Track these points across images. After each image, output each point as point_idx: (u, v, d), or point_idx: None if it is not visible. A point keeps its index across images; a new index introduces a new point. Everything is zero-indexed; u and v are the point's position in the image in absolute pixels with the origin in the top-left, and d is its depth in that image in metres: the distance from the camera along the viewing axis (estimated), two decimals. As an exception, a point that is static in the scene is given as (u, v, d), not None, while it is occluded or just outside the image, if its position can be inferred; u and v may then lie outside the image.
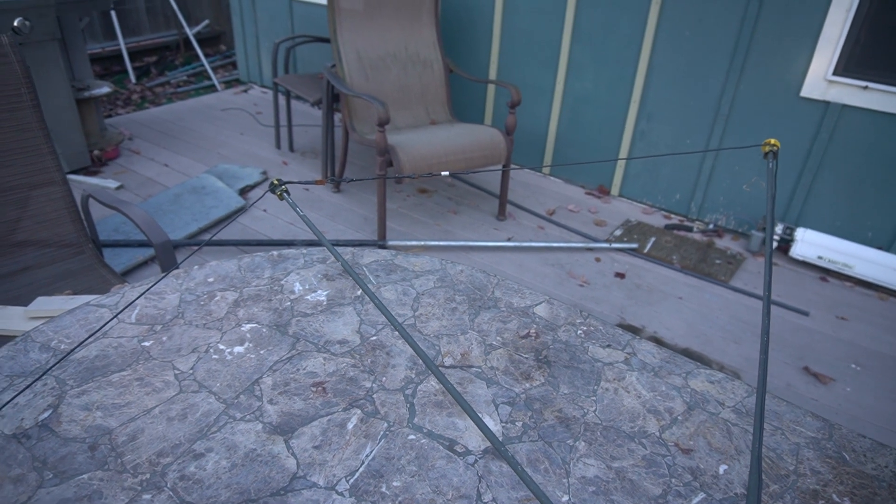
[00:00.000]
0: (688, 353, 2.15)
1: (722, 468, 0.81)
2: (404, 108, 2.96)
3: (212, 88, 4.75)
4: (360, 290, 1.09)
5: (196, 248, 2.62)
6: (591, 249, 2.75)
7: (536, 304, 1.11)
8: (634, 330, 2.25)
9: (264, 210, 2.90)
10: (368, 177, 3.34)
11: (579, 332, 1.04)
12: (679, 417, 0.89)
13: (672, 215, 3.10)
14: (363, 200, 3.10)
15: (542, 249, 2.73)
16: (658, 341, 2.20)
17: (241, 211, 2.87)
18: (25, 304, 1.43)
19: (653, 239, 2.85)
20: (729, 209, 2.97)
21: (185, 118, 4.04)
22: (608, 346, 1.02)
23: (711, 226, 3.00)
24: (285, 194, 1.05)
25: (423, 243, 2.65)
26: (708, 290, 2.51)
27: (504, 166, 2.83)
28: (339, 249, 1.23)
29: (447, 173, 0.94)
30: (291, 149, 3.63)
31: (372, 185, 3.16)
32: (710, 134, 2.88)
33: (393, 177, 1.08)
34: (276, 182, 1.04)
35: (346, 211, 2.98)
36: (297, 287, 1.11)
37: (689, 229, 2.95)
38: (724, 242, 2.87)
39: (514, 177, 3.43)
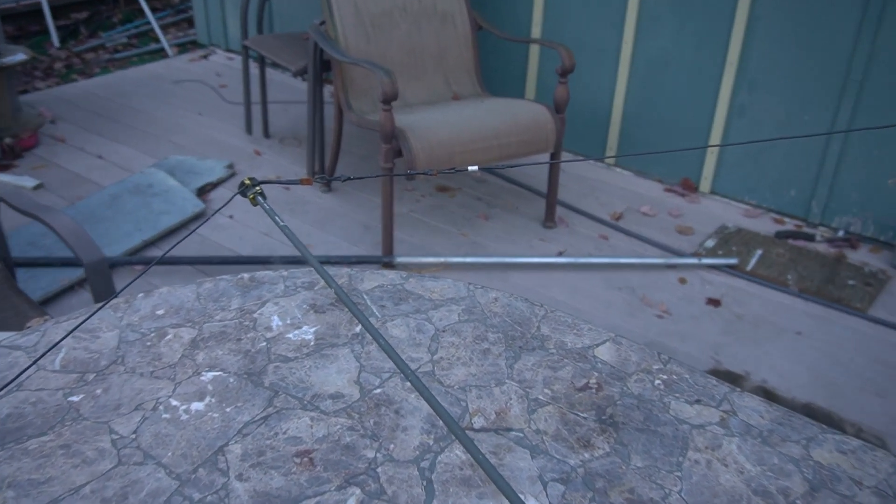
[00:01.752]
0: (810, 411, 2.11)
1: (859, 573, 0.80)
2: (417, 77, 2.99)
3: (161, 54, 4.86)
4: (360, 326, 1.10)
5: (141, 268, 2.67)
6: (672, 267, 2.74)
7: (598, 344, 1.11)
8: (734, 378, 2.22)
9: (230, 217, 2.95)
10: (369, 173, 3.38)
11: (657, 382, 1.04)
12: (798, 501, 0.88)
13: (785, 219, 3.07)
14: (363, 202, 3.13)
15: (606, 267, 2.72)
16: (768, 394, 2.17)
17: (199, 218, 2.92)
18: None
19: (759, 252, 2.82)
20: (866, 210, 2.93)
21: (126, 94, 4.13)
22: (697, 401, 1.01)
23: (841, 233, 2.96)
24: (259, 197, 1.07)
25: (443, 260, 2.66)
26: (838, 322, 2.47)
27: (553, 155, 2.84)
28: (332, 270, 1.24)
29: (475, 168, 0.95)
30: (267, 134, 3.69)
31: (374, 183, 3.19)
32: (838, 108, 2.86)
33: (403, 174, 1.09)
34: (247, 182, 1.06)
35: (340, 217, 3.01)
36: (276, 322, 1.13)
37: (810, 238, 2.92)
38: (860, 256, 2.83)
39: (567, 169, 3.44)
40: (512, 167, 1.06)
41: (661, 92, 3.23)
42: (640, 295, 2.58)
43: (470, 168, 0.98)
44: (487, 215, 3.05)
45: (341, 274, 1.25)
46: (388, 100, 2.45)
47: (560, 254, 2.80)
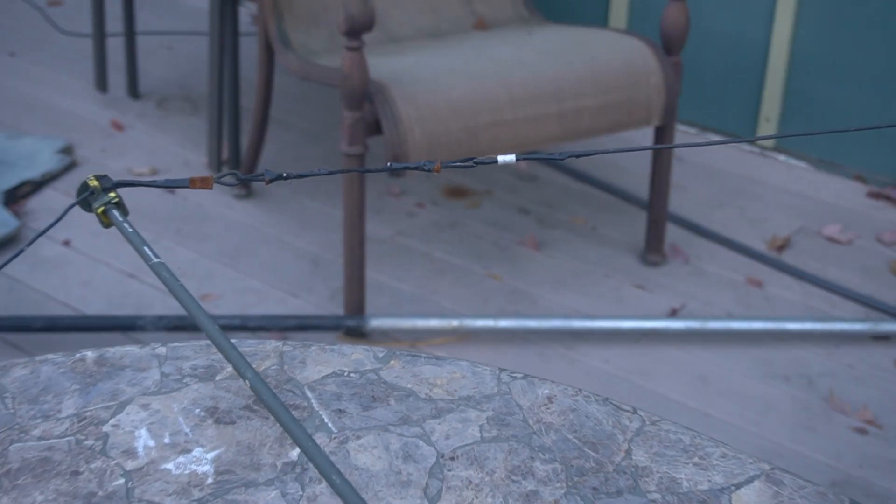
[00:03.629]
0: None
1: None
2: (410, -11, 3.01)
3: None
4: (297, 450, 1.10)
5: None
6: (884, 338, 2.72)
7: (741, 483, 1.11)
8: None
9: (66, 243, 2.95)
10: (320, 165, 3.34)
11: (850, 556, 1.03)
12: None
13: None
14: (309, 217, 3.14)
15: (760, 338, 2.71)
16: None
17: (9, 245, 2.92)
18: None
19: None
20: None
21: None
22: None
23: None
24: (114, 210, 1.08)
25: (456, 324, 2.65)
26: None
27: (660, 132, 2.83)
28: (250, 343, 1.24)
29: (513, 157, 0.96)
30: (135, 92, 3.70)
31: (331, 184, 3.18)
32: None
33: (382, 169, 1.10)
34: (93, 183, 1.07)
35: (267, 243, 3.01)
36: (145, 441, 1.13)
37: None
38: None
39: (687, 157, 3.44)
40: (582, 156, 1.08)
41: (858, 20, 3.23)
42: (823, 391, 2.56)
43: (502, 158, 0.99)
44: (539, 241, 3.05)
45: (266, 351, 1.25)
46: (357, 30, 2.46)
47: (674, 312, 2.79)
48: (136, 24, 3.61)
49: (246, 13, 4.12)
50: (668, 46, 2.76)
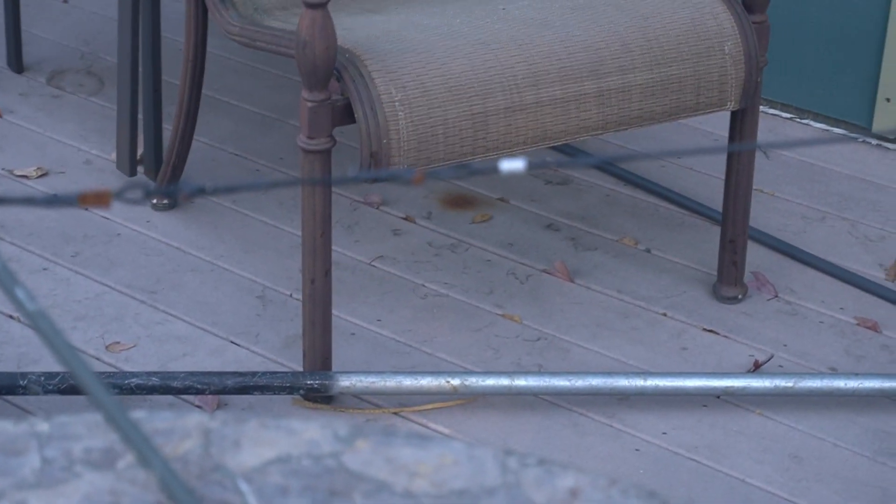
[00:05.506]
0: None
1: None
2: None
3: None
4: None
5: None
6: None
7: None
8: None
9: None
10: (262, 180, 3.34)
11: None
12: None
13: None
14: (255, 236, 3.15)
15: (872, 400, 2.69)
16: None
17: None
18: None
19: None
20: None
21: None
22: None
23: None
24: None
25: (456, 383, 2.65)
26: None
27: (739, 117, 2.83)
28: (164, 416, 1.26)
29: (521, 164, 0.97)
30: (18, 63, 3.70)
31: (284, 191, 3.18)
32: None
33: (356, 178, 1.12)
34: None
35: (197, 272, 3.02)
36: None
37: None
38: None
39: (775, 151, 3.43)
40: (630, 159, 1.10)
41: None
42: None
43: (507, 165, 1.00)
44: (573, 268, 3.05)
45: (186, 428, 1.25)
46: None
47: (757, 367, 2.79)
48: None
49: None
50: (748, 4, 2.77)
